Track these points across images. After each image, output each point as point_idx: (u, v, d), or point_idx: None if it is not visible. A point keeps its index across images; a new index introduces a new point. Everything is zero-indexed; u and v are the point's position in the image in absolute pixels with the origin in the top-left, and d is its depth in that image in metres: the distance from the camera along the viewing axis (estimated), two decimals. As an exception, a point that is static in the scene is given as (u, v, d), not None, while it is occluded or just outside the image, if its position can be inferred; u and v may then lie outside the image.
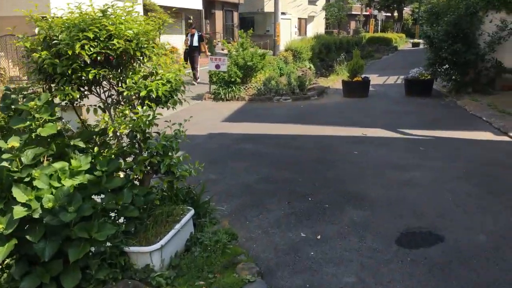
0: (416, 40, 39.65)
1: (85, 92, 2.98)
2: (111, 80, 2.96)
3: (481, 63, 10.23)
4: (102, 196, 2.65)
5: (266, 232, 3.53)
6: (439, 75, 10.70)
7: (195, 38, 13.15)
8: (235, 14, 33.46)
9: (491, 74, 10.32)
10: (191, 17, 28.39)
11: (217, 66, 10.63)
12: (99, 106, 3.06)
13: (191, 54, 13.11)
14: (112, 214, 2.70)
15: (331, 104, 9.92)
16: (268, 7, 23.22)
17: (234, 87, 10.58)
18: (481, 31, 10.23)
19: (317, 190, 4.42)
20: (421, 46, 36.79)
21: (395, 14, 53.10)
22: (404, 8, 54.76)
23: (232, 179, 4.79)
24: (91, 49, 2.63)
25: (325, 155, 5.67)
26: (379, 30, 47.06)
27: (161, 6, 20.79)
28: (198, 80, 13.26)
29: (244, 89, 10.89)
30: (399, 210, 3.91)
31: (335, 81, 15.04)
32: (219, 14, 30.80)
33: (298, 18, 38.89)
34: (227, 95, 10.49)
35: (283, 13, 32.01)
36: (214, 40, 25.57)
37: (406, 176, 4.82)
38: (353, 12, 51.23)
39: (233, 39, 32.99)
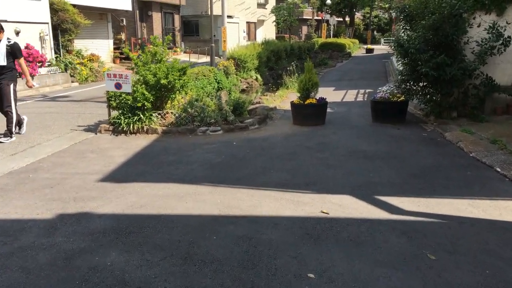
0: (369, 46, 38.35)
1: None
2: None
3: (468, 80, 7.86)
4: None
5: None
6: (414, 94, 8.25)
7: (1, 50, 6.61)
8: (176, 17, 30.23)
9: (480, 94, 7.96)
10: (123, 19, 24.88)
11: (118, 86, 7.57)
12: None
13: None
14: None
15: (275, 140, 7.11)
16: (214, 10, 20.31)
17: (142, 115, 7.54)
18: (467, 38, 7.87)
19: None
20: (375, 53, 35.29)
21: (347, 19, 52.16)
22: (356, 13, 53.99)
23: None
24: None
25: (251, 290, 2.81)
26: (331, 35, 45.61)
27: (77, 6, 17.25)
28: (23, 131, 7.29)
29: (158, 117, 7.88)
30: None
31: (283, 98, 12.37)
32: (157, 17, 27.46)
33: (247, 22, 36.27)
34: (131, 127, 7.43)
35: (229, 17, 29.15)
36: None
37: None
38: (304, 17, 49.66)
39: (174, 45, 29.71)
